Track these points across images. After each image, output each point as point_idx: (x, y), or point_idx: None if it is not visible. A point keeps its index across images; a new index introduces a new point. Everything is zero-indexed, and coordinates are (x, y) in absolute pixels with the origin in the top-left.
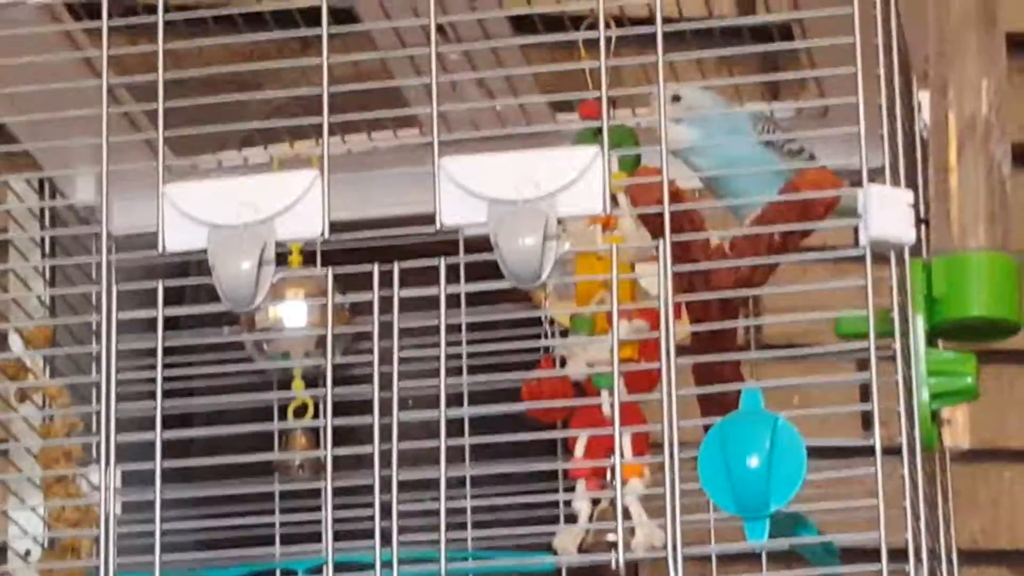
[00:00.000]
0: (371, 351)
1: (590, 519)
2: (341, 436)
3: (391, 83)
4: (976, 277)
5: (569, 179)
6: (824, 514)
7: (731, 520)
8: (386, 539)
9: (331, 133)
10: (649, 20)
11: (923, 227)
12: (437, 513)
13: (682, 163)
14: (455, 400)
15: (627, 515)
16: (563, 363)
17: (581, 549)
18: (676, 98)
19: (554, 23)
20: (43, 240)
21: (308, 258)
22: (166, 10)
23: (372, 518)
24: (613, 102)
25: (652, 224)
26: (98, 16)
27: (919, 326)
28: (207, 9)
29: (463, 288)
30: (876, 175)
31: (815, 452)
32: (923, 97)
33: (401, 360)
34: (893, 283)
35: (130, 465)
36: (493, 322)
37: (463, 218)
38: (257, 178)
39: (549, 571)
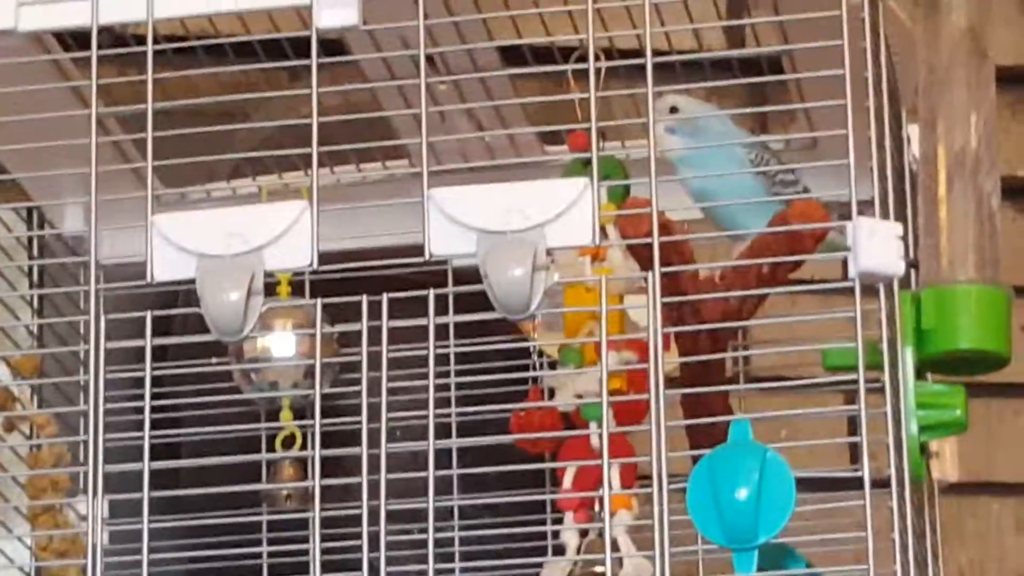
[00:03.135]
0: (359, 382)
1: (578, 551)
2: (329, 467)
3: (380, 114)
4: (965, 310)
5: (558, 210)
6: (812, 546)
7: (720, 552)
8: (374, 571)
9: (320, 164)
10: (638, 52)
11: (912, 270)
12: (425, 544)
13: (672, 193)
14: (443, 431)
15: (615, 547)
16: (551, 394)
17: None
18: (674, 109)
19: (543, 55)
20: (31, 269)
21: (296, 289)
22: (155, 40)
23: (360, 549)
24: (602, 134)
25: (641, 256)
26: (87, 46)
27: (908, 358)
28: (196, 40)
29: (451, 319)
30: (865, 207)
31: (803, 484)
32: (912, 130)
33: (389, 391)
34: (882, 315)
35: (118, 495)
36: (482, 353)
37: (452, 249)
38: (246, 209)
39: None
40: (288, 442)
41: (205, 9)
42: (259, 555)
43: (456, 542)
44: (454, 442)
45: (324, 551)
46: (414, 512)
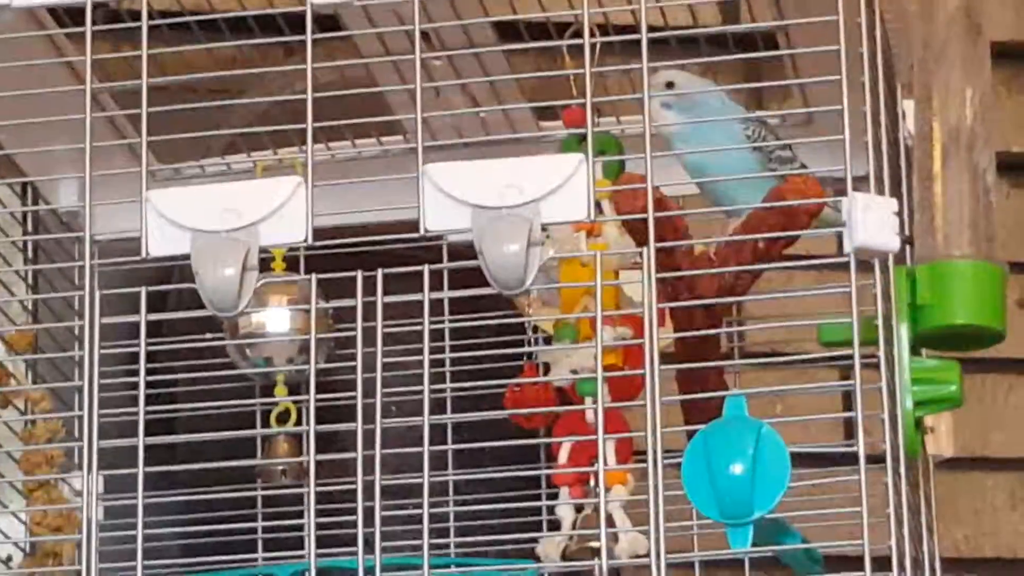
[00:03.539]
0: (354, 357)
1: (573, 526)
2: (324, 442)
3: (375, 89)
4: (960, 285)
5: (553, 186)
6: (808, 521)
7: (715, 527)
8: (369, 545)
9: (315, 140)
10: (634, 28)
11: (907, 245)
12: (420, 519)
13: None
14: (438, 407)
15: (610, 522)
16: (547, 370)
17: (564, 556)
18: (670, 84)
19: (539, 30)
20: (25, 245)
21: (291, 264)
22: (150, 16)
23: (355, 524)
24: (598, 109)
25: (636, 231)
26: (82, 21)
27: (903, 334)
28: (191, 15)
29: (447, 294)
30: (861, 183)
31: (798, 459)
32: (907, 106)
33: (384, 367)
34: (877, 291)
35: (113, 470)
36: (477, 329)
37: (447, 224)
38: (241, 184)
39: None
40: (283, 417)
41: None
42: (254, 530)
43: (451, 517)
44: (449, 417)
45: (319, 526)
46: (409, 487)
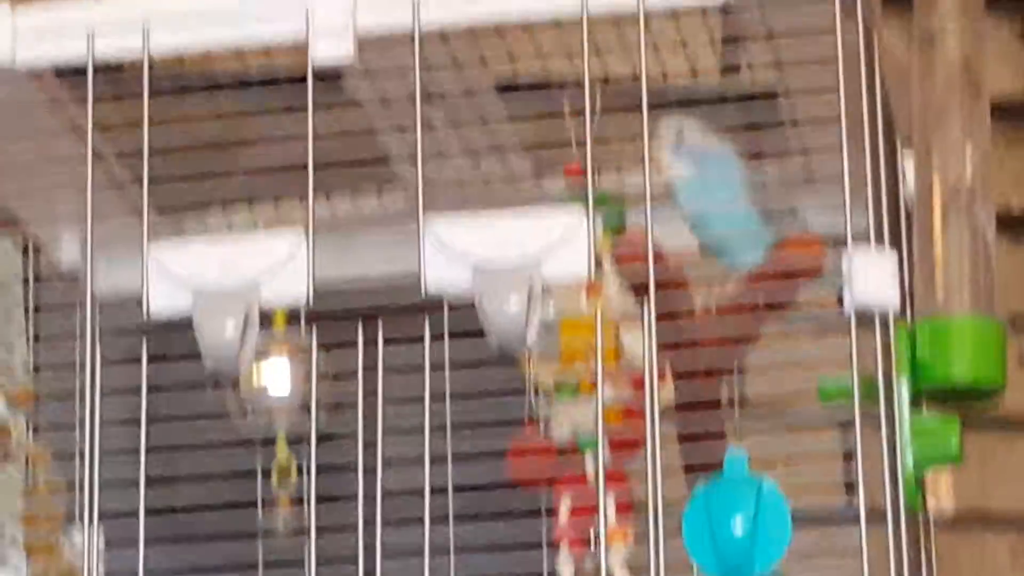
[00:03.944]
0: (355, 413)
1: None
2: (325, 498)
3: (376, 145)
4: (960, 341)
5: (554, 243)
6: None
7: None
8: None
9: (316, 195)
10: (634, 84)
11: (907, 301)
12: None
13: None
14: (439, 463)
15: None
16: (547, 426)
17: None
18: (679, 133)
19: (539, 87)
20: (27, 302)
21: (292, 318)
22: (151, 74)
23: None
24: (598, 166)
25: (637, 288)
26: (84, 80)
27: (903, 390)
28: (193, 73)
29: (447, 351)
30: (861, 240)
31: (799, 516)
32: (908, 162)
33: (385, 422)
34: (877, 347)
35: (113, 527)
36: (477, 385)
37: (448, 281)
38: (242, 240)
39: None
40: (284, 473)
41: (201, 43)
42: None
43: (451, 573)
44: (449, 474)
45: None
46: (410, 543)
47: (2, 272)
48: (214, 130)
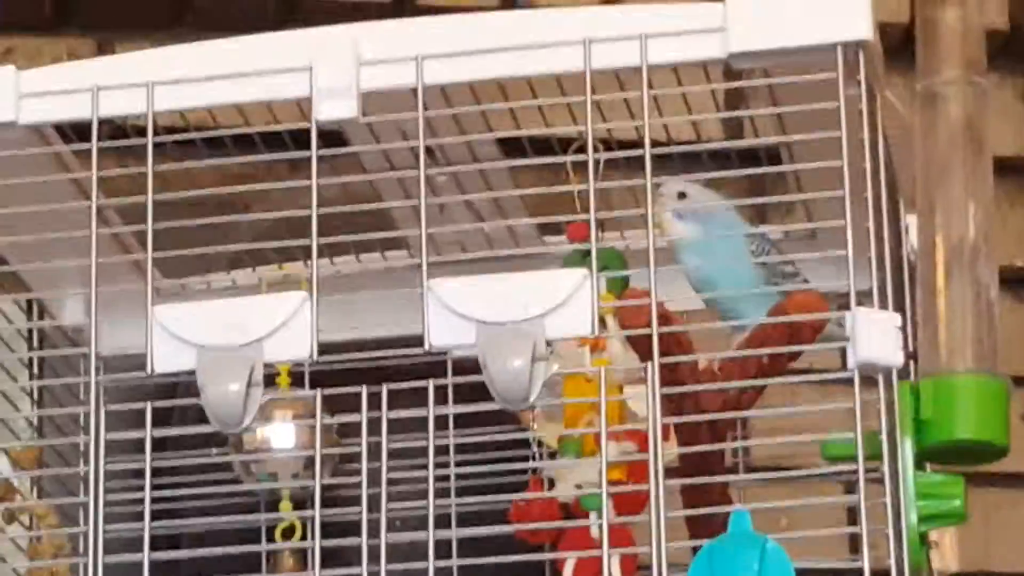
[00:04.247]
0: (359, 472)
1: None
2: (329, 558)
3: (379, 205)
4: (963, 400)
5: (558, 301)
6: None
7: None
8: None
9: (319, 255)
10: (637, 143)
11: (911, 360)
12: None
13: (671, 283)
14: (443, 522)
15: None
16: (551, 485)
17: None
18: (682, 195)
19: (542, 146)
20: (31, 360)
21: (296, 379)
22: (155, 132)
23: None
24: (601, 224)
25: (641, 346)
26: (87, 138)
27: (907, 448)
28: (196, 131)
29: (451, 409)
30: (864, 298)
31: (803, 575)
32: (911, 220)
33: (389, 481)
34: (881, 405)
35: None
36: (481, 443)
37: (451, 340)
38: (246, 300)
39: None
40: (288, 533)
41: (205, 101)
42: None
43: None
44: (454, 533)
45: None
46: None
47: (5, 331)
48: (218, 189)
